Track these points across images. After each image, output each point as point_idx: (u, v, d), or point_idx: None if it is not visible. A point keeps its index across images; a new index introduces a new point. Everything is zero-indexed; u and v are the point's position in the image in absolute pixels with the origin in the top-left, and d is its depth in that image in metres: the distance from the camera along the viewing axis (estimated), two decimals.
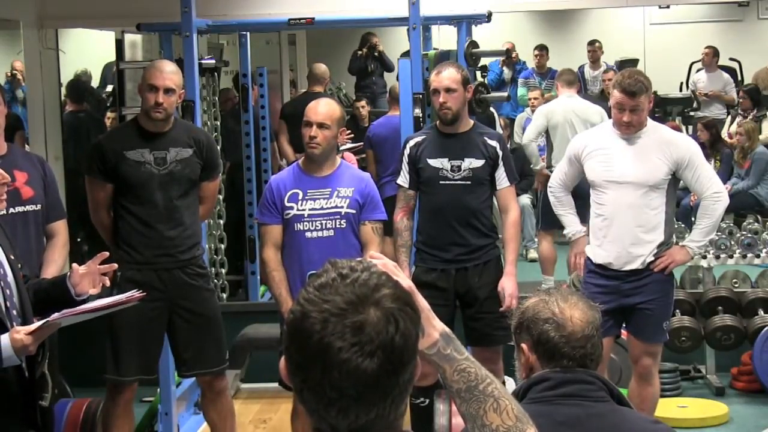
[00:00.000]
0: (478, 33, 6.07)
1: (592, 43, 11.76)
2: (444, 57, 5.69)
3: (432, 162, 4.80)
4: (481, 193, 4.83)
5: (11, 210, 4.10)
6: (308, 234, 4.46)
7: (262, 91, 7.31)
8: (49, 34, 7.24)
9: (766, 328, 5.93)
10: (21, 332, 2.91)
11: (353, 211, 4.49)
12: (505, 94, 8.69)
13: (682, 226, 6.43)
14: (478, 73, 6.79)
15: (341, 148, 6.70)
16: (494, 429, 1.68)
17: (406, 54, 6.16)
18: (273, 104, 8.32)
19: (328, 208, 4.48)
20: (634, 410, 2.42)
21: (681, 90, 12.81)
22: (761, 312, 6.14)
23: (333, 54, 12.08)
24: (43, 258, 4.38)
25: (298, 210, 4.48)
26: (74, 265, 3.22)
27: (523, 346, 2.39)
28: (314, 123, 4.46)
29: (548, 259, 7.63)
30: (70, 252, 4.70)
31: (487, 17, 5.89)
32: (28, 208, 4.29)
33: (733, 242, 6.39)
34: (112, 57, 8.07)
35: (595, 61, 11.63)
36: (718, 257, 6.37)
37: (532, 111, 8.78)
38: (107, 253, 3.29)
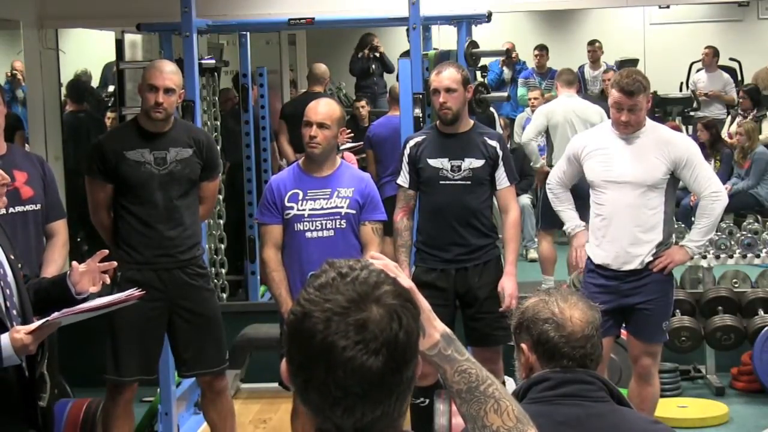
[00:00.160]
0: (478, 33, 6.07)
1: (592, 43, 11.76)
2: (444, 57, 5.69)
3: (432, 162, 4.80)
4: (481, 193, 4.83)
5: (11, 210, 4.10)
6: (308, 234, 4.46)
7: (262, 91, 7.31)
8: (49, 34, 7.24)
9: (766, 328, 5.93)
10: (21, 332, 2.91)
11: (353, 212, 4.49)
12: (505, 94, 8.69)
13: (682, 226, 6.43)
14: (478, 73, 6.79)
15: (341, 148, 6.70)
16: (495, 430, 1.68)
17: (406, 54, 6.16)
18: (273, 104, 8.32)
19: (328, 209, 4.48)
20: (634, 410, 2.42)
21: (681, 90, 12.81)
22: (761, 312, 6.14)
23: (333, 54, 12.08)
24: (42, 258, 4.38)
25: (298, 210, 4.48)
26: (74, 263, 3.21)
27: (523, 346, 2.39)
28: (314, 123, 4.46)
29: (548, 259, 7.63)
30: (70, 252, 4.70)
31: (487, 17, 5.89)
32: (28, 207, 4.29)
33: (733, 242, 6.39)
34: (112, 57, 8.08)
35: (595, 61, 11.64)
36: (718, 257, 6.37)
37: (532, 111, 8.78)
38: (107, 251, 3.29)
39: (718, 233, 6.31)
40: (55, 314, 2.94)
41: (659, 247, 4.68)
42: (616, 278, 4.70)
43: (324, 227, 4.47)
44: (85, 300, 3.16)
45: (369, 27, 10.34)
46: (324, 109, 4.50)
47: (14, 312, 3.05)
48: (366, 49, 10.83)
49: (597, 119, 7.34)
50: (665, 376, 5.86)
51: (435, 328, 1.67)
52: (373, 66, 10.82)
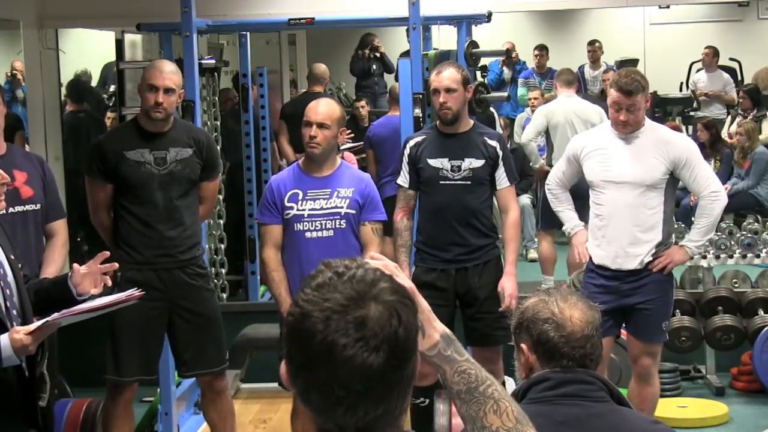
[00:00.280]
0: (478, 33, 6.07)
1: (592, 43, 11.76)
2: (444, 57, 5.69)
3: (432, 162, 4.80)
4: (481, 193, 4.83)
5: (11, 210, 4.10)
6: (308, 234, 4.46)
7: (262, 91, 7.31)
8: (49, 34, 7.24)
9: (766, 328, 5.93)
10: (20, 332, 2.91)
11: (353, 212, 4.49)
12: (505, 94, 8.69)
13: (682, 226, 6.43)
14: (478, 73, 6.79)
15: (341, 148, 6.70)
16: (494, 431, 1.68)
17: (406, 54, 6.16)
18: (273, 104, 8.32)
19: (328, 209, 4.47)
20: (633, 410, 2.42)
21: (681, 90, 12.81)
22: (761, 312, 6.14)
23: (333, 54, 12.08)
24: (42, 258, 4.38)
25: (298, 210, 4.48)
26: (75, 265, 3.22)
27: (523, 346, 2.39)
28: (314, 123, 4.46)
29: (548, 259, 7.63)
30: (70, 252, 4.70)
31: (487, 17, 5.89)
32: (28, 207, 4.29)
33: (733, 242, 6.39)
34: (112, 57, 8.08)
35: (595, 61, 11.63)
36: (718, 257, 6.37)
37: (532, 111, 8.78)
38: (108, 253, 3.30)
39: (718, 233, 6.31)
40: (55, 315, 2.94)
41: (659, 247, 4.68)
42: (615, 278, 4.70)
43: (324, 227, 4.47)
44: (85, 301, 3.15)
45: (369, 27, 10.34)
46: (324, 109, 4.50)
47: (14, 312, 3.05)
48: (366, 49, 10.83)
49: (597, 119, 7.34)
50: (665, 376, 5.86)
51: (435, 329, 1.67)
52: (374, 66, 10.82)
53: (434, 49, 6.27)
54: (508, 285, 4.77)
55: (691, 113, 11.79)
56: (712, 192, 4.70)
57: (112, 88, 8.77)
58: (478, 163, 4.79)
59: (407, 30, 5.81)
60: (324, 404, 1.43)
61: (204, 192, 4.71)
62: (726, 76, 11.89)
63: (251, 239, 6.88)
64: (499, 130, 8.38)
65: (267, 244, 4.55)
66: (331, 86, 10.88)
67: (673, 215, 4.94)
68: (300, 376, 1.44)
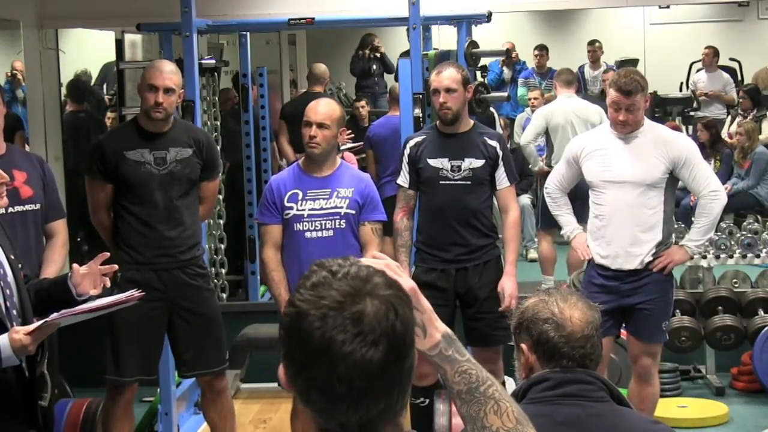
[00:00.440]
0: (478, 33, 6.07)
1: (592, 43, 11.76)
2: (444, 57, 5.69)
3: (432, 162, 4.80)
4: (481, 193, 4.83)
5: (10, 209, 4.10)
6: (308, 234, 4.46)
7: (262, 91, 7.31)
8: (49, 34, 7.24)
9: (766, 328, 5.93)
10: (20, 332, 2.91)
11: (353, 212, 4.49)
12: (505, 94, 8.68)
13: (682, 226, 6.43)
14: (478, 73, 6.79)
15: (341, 149, 6.70)
16: (494, 431, 1.68)
17: (406, 54, 6.16)
18: (273, 104, 8.32)
19: (327, 209, 4.47)
20: (633, 410, 2.42)
21: (681, 90, 12.81)
22: (761, 312, 6.14)
23: (333, 54, 12.08)
24: (42, 257, 4.38)
25: (297, 210, 4.48)
26: (75, 265, 3.21)
27: (523, 346, 2.39)
28: (314, 123, 4.46)
29: (548, 259, 7.63)
30: (70, 252, 4.70)
31: (487, 17, 5.89)
32: (27, 207, 4.29)
33: (733, 242, 6.39)
34: (112, 57, 8.08)
35: (595, 61, 11.63)
36: (718, 257, 6.37)
37: (532, 111, 8.78)
38: (108, 254, 3.30)
39: (718, 233, 6.31)
40: (54, 315, 2.94)
41: (659, 246, 4.69)
42: (616, 278, 4.70)
43: (323, 227, 4.47)
44: (85, 301, 3.16)
45: (369, 27, 10.35)
46: (324, 109, 4.50)
47: (14, 312, 3.05)
48: (366, 50, 10.83)
49: (597, 119, 7.34)
50: (665, 376, 5.86)
51: (436, 329, 1.67)
52: (374, 66, 10.82)
53: (434, 49, 6.27)
54: (508, 285, 4.77)
55: (691, 113, 11.79)
56: (711, 191, 4.71)
57: (107, 87, 8.79)
58: (478, 163, 4.79)
59: (407, 30, 5.81)
60: (326, 403, 1.43)
61: (204, 192, 4.71)
62: (726, 76, 11.89)
63: (251, 239, 6.88)
64: (499, 130, 8.38)
65: (267, 244, 4.55)
66: (331, 86, 10.88)
67: (673, 215, 4.94)
68: (300, 377, 1.44)
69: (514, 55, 11.08)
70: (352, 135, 7.65)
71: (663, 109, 11.91)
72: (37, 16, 7.12)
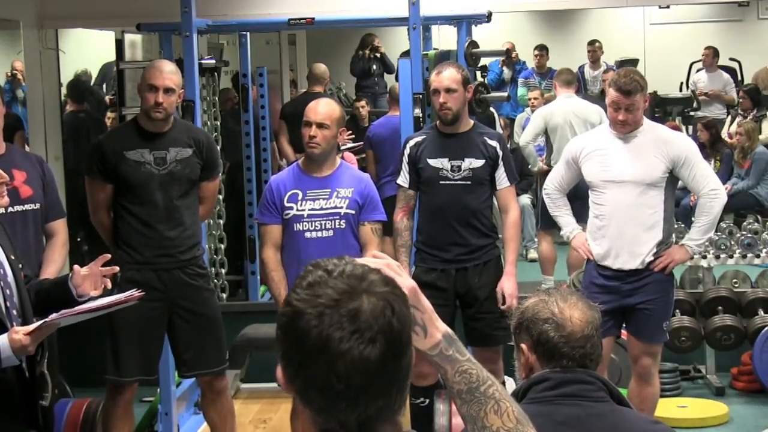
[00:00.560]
0: (478, 33, 6.07)
1: (592, 43, 11.76)
2: (444, 57, 5.69)
3: (432, 162, 4.80)
4: (481, 193, 4.83)
5: (10, 209, 4.10)
6: (308, 234, 4.46)
7: (262, 91, 7.31)
8: (49, 34, 7.24)
9: (766, 328, 5.93)
10: (20, 332, 2.91)
11: (352, 212, 4.49)
12: (505, 94, 8.68)
13: (682, 225, 6.43)
14: (478, 73, 6.79)
15: (342, 149, 6.70)
16: (494, 431, 1.68)
17: (406, 54, 6.16)
18: (273, 104, 8.32)
19: (327, 209, 4.47)
20: (633, 410, 2.42)
21: (681, 90, 12.81)
22: (761, 312, 6.14)
23: (333, 54, 12.08)
24: (42, 257, 4.38)
25: (297, 210, 4.48)
26: (76, 266, 3.22)
27: (523, 346, 2.39)
28: (314, 123, 4.46)
29: (548, 259, 7.63)
30: (70, 252, 4.70)
31: (487, 17, 5.89)
32: (27, 207, 4.29)
33: (733, 242, 6.39)
34: (112, 57, 8.07)
35: (595, 61, 11.63)
36: (718, 257, 6.37)
37: (532, 111, 8.78)
38: (109, 255, 3.30)
39: (718, 233, 6.31)
40: (54, 315, 2.94)
41: (660, 246, 4.69)
42: (617, 278, 4.70)
43: (323, 227, 4.47)
44: (85, 302, 3.16)
45: (369, 27, 10.34)
46: (323, 109, 4.50)
47: (14, 312, 3.06)
48: (366, 50, 10.84)
49: (596, 119, 7.34)
50: (665, 376, 5.86)
51: (437, 328, 1.67)
52: (374, 66, 10.82)
53: (434, 49, 6.27)
54: (508, 285, 4.77)
55: (691, 113, 11.79)
56: (711, 190, 4.71)
57: (107, 87, 8.78)
58: (478, 163, 4.79)
59: (407, 30, 5.80)
60: (325, 402, 1.43)
61: (204, 192, 4.71)
62: (726, 76, 11.90)
63: (251, 239, 6.87)
64: (499, 130, 8.38)
65: (267, 244, 4.55)
66: (331, 86, 10.88)
67: (673, 214, 4.94)
68: (298, 376, 1.44)
69: (514, 55, 11.08)
70: (353, 135, 7.65)
71: (663, 109, 11.91)
72: (37, 16, 7.12)
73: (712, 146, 9.56)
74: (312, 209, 4.47)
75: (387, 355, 1.41)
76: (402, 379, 1.46)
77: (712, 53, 11.80)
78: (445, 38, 6.96)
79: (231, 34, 8.74)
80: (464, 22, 5.87)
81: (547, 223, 7.27)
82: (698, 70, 12.13)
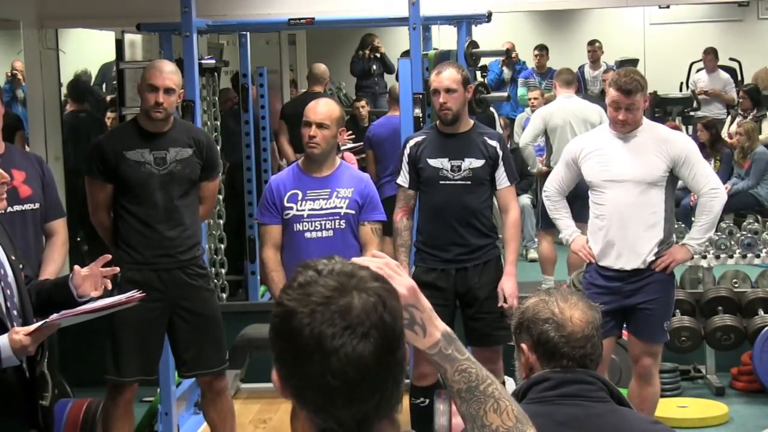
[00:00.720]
0: (478, 33, 6.07)
1: (592, 43, 11.76)
2: (444, 57, 5.69)
3: (432, 162, 4.80)
4: (481, 193, 4.83)
5: (9, 209, 4.10)
6: (307, 234, 4.46)
7: (262, 91, 7.31)
8: (49, 34, 7.24)
9: (766, 328, 5.93)
10: (20, 333, 2.91)
11: (352, 212, 4.49)
12: (505, 94, 8.68)
13: (683, 225, 6.43)
14: (478, 73, 6.79)
15: (342, 149, 6.70)
16: (494, 429, 1.68)
17: (406, 54, 6.16)
18: (273, 104, 8.32)
19: (327, 209, 4.48)
20: (634, 410, 2.42)
21: (681, 90, 12.82)
22: (761, 312, 6.14)
23: (333, 54, 12.08)
24: (42, 257, 4.38)
25: (297, 210, 4.48)
26: (76, 267, 3.22)
27: (523, 346, 2.39)
28: (313, 123, 4.46)
29: (548, 259, 7.63)
30: (69, 252, 4.70)
31: (487, 17, 5.89)
32: (26, 207, 4.29)
33: (733, 242, 6.39)
34: (112, 57, 8.07)
35: (595, 61, 11.64)
36: (718, 257, 6.37)
37: (532, 111, 8.78)
38: (110, 256, 3.30)
39: (718, 233, 6.31)
40: (54, 315, 2.94)
41: (661, 245, 4.69)
42: (618, 279, 4.70)
43: (323, 227, 4.47)
44: (86, 303, 3.16)
45: (369, 27, 10.34)
46: (323, 109, 4.50)
47: (15, 312, 3.06)
48: (367, 50, 10.84)
49: (596, 118, 7.34)
50: (665, 376, 5.86)
51: (436, 328, 1.67)
52: (374, 66, 10.83)
53: (434, 49, 6.27)
54: (508, 285, 4.77)
55: (691, 113, 11.80)
56: (711, 189, 4.71)
57: (106, 87, 8.78)
58: (478, 163, 4.79)
59: (408, 30, 5.80)
60: (321, 401, 1.43)
61: (204, 192, 4.71)
62: (726, 75, 11.91)
63: (251, 239, 6.88)
64: (499, 130, 8.38)
65: (266, 244, 4.55)
66: (331, 86, 10.88)
67: (673, 214, 4.94)
68: (293, 377, 1.44)
69: (514, 55, 11.07)
70: (353, 135, 7.65)
71: (663, 109, 11.92)
72: (37, 16, 7.12)
73: (712, 146, 9.56)
74: (312, 209, 4.48)
75: (380, 350, 1.42)
76: (397, 373, 1.46)
77: (713, 56, 11.81)
78: (445, 38, 6.96)
79: (231, 34, 8.74)
80: (464, 22, 5.87)
81: (548, 223, 7.25)
82: (698, 70, 12.14)
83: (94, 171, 4.54)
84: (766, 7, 14.05)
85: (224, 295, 6.86)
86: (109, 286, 3.27)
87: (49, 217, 4.41)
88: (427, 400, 4.86)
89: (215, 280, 6.67)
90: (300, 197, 4.49)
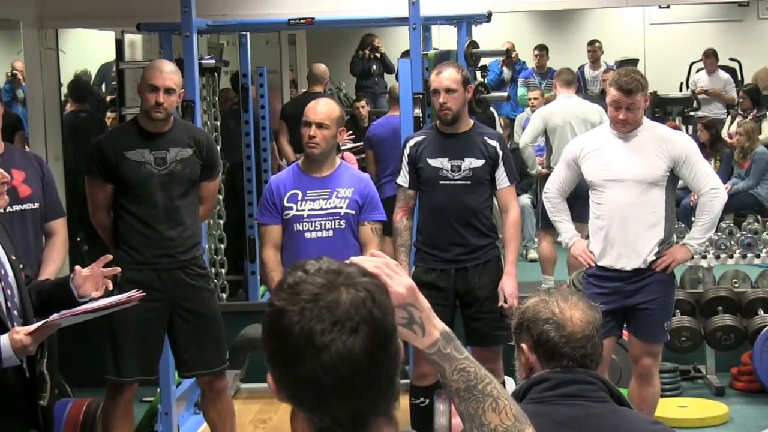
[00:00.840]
0: (478, 33, 6.07)
1: (592, 43, 11.76)
2: (444, 57, 5.69)
3: (432, 162, 4.80)
4: (481, 192, 4.83)
5: (8, 209, 4.10)
6: (307, 234, 4.46)
7: (261, 91, 7.31)
8: (49, 34, 7.24)
9: (766, 328, 5.93)
10: (21, 332, 2.91)
11: (352, 212, 4.49)
12: (505, 94, 8.68)
13: (683, 225, 6.43)
14: (478, 73, 6.79)
15: (342, 148, 6.70)
16: (492, 428, 1.68)
17: (406, 54, 6.16)
18: (273, 104, 8.32)
19: (327, 209, 4.48)
20: (634, 411, 2.42)
21: (681, 90, 12.82)
22: (761, 312, 6.14)
23: (333, 54, 12.08)
24: (41, 256, 4.38)
25: (297, 210, 4.48)
26: (77, 267, 3.22)
27: (524, 346, 2.39)
28: (313, 123, 4.46)
29: (548, 259, 7.63)
30: (69, 251, 4.70)
31: (487, 17, 5.89)
32: (26, 206, 4.29)
33: (733, 242, 6.39)
34: (112, 57, 8.07)
35: (595, 61, 11.63)
36: (718, 257, 6.37)
37: (532, 111, 8.78)
38: (111, 256, 3.30)
39: (718, 233, 6.31)
40: (55, 315, 2.94)
41: (661, 245, 4.68)
42: (619, 279, 4.70)
43: (323, 227, 4.47)
44: (86, 303, 3.16)
45: (369, 27, 10.35)
46: (323, 109, 4.50)
47: (15, 312, 3.06)
48: (366, 50, 10.84)
49: (596, 118, 7.34)
50: (665, 376, 5.86)
51: (434, 327, 1.67)
52: (374, 66, 10.83)
53: (434, 49, 6.27)
54: (508, 285, 4.77)
55: (691, 113, 11.80)
56: (712, 189, 4.71)
57: (105, 88, 8.77)
58: (478, 162, 4.79)
59: (408, 30, 5.80)
60: (316, 399, 1.43)
61: (204, 192, 4.71)
62: (726, 75, 11.92)
63: (251, 239, 6.88)
64: (499, 130, 8.37)
65: (266, 244, 4.55)
66: (331, 86, 10.88)
67: (674, 213, 4.94)
68: (287, 377, 1.44)
69: (514, 55, 11.07)
70: (353, 135, 7.65)
71: (663, 109, 11.91)
72: (37, 16, 7.12)
73: (712, 146, 9.56)
74: (312, 209, 4.48)
75: (371, 345, 1.42)
76: (390, 367, 1.46)
77: (713, 59, 11.81)
78: (445, 38, 6.96)
79: (231, 34, 8.74)
80: (464, 22, 5.87)
81: (548, 223, 7.22)
82: (698, 70, 12.14)
83: (94, 171, 4.54)
84: (766, 7, 14.05)
85: (224, 295, 6.86)
86: (110, 287, 3.27)
87: (48, 216, 4.41)
88: (427, 400, 4.86)
89: (215, 280, 6.67)
90: (300, 197, 4.49)
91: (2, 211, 3.87)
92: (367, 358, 1.42)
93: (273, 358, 1.46)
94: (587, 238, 4.89)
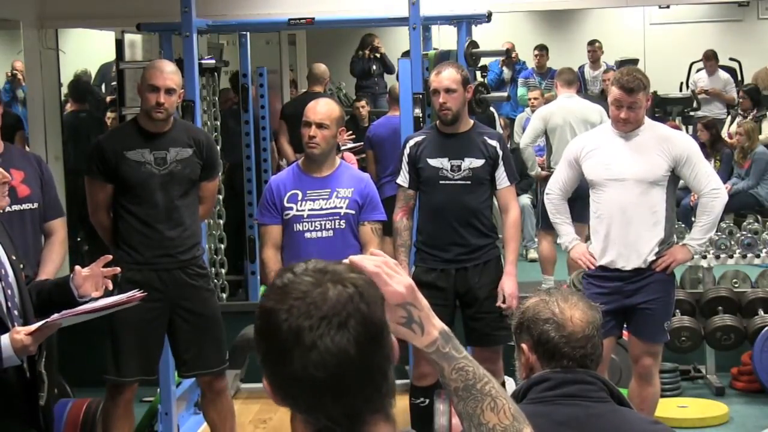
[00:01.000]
0: (478, 33, 6.07)
1: (592, 43, 11.77)
2: (444, 57, 5.69)
3: (432, 162, 4.80)
4: (481, 192, 4.83)
5: (8, 208, 4.10)
6: (307, 234, 4.46)
7: (261, 91, 7.30)
8: (49, 34, 7.24)
9: (766, 328, 5.93)
10: (21, 332, 2.92)
11: (352, 212, 4.49)
12: (505, 94, 8.68)
13: (683, 225, 6.43)
14: (478, 73, 6.78)
15: (342, 149, 6.70)
16: (491, 428, 1.68)
17: (406, 54, 6.16)
18: (273, 104, 8.31)
19: (327, 209, 4.48)
20: (634, 411, 2.42)
21: (681, 90, 12.82)
22: (761, 312, 6.14)
23: (333, 54, 12.08)
24: (41, 256, 4.38)
25: (297, 210, 4.48)
26: (77, 267, 3.22)
27: (524, 346, 2.39)
28: (313, 123, 4.46)
29: (548, 259, 7.63)
30: (69, 251, 4.71)
31: (487, 17, 5.89)
32: (25, 206, 4.30)
33: (733, 242, 6.39)
34: (112, 57, 8.07)
35: (595, 61, 11.64)
36: (718, 257, 6.37)
37: (532, 111, 8.78)
38: (111, 256, 3.30)
39: (718, 233, 6.31)
40: (55, 315, 2.94)
41: (662, 245, 4.68)
42: (619, 279, 4.70)
43: (323, 227, 4.47)
44: (86, 303, 3.16)
45: (369, 27, 10.35)
46: (323, 109, 4.50)
47: (15, 312, 3.06)
48: (366, 50, 10.84)
49: (597, 118, 7.34)
50: (665, 376, 5.86)
51: (433, 326, 1.67)
52: (374, 66, 10.83)
53: (434, 49, 6.27)
54: (508, 285, 4.77)
55: (691, 113, 11.80)
56: (712, 189, 4.71)
57: (105, 88, 8.77)
58: (478, 162, 4.79)
59: (408, 30, 5.80)
60: (310, 398, 1.43)
61: (204, 192, 4.71)
62: (726, 75, 11.92)
63: (251, 239, 6.87)
64: (499, 130, 8.37)
65: (267, 244, 4.55)
66: (331, 86, 10.88)
67: (674, 213, 4.94)
68: (281, 377, 1.44)
69: (514, 55, 11.08)
70: (353, 135, 7.65)
71: (663, 109, 11.91)
72: (37, 16, 7.12)
73: (712, 146, 9.56)
74: (312, 209, 4.48)
75: (361, 340, 1.42)
76: (383, 364, 1.46)
77: (714, 61, 11.81)
78: (445, 38, 6.95)
79: (231, 34, 8.73)
80: (464, 22, 5.86)
81: (548, 224, 7.23)
82: (698, 70, 12.14)
83: (94, 171, 4.54)
84: (766, 7, 14.05)
85: (224, 295, 6.86)
86: (110, 287, 3.27)
87: (47, 216, 4.41)
88: (427, 400, 4.86)
89: (215, 280, 6.67)
90: (300, 197, 4.49)
91: (1, 211, 3.87)
92: (357, 353, 1.41)
93: (265, 359, 1.46)
94: (587, 239, 4.89)
